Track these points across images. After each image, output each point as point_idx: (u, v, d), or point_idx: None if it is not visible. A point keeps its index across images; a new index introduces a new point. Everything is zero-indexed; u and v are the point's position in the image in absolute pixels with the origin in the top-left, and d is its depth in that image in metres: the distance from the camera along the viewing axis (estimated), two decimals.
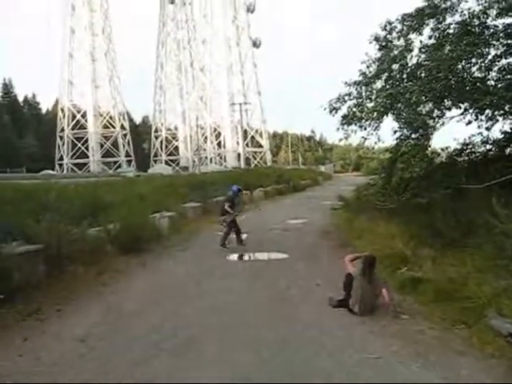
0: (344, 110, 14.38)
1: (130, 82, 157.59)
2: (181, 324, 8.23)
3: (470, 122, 13.88)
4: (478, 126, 14.77)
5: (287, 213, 25.53)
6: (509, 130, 14.89)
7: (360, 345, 7.06)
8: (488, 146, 15.26)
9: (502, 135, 14.93)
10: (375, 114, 13.10)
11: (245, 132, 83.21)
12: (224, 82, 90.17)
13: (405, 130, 14.25)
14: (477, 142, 15.12)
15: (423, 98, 12.64)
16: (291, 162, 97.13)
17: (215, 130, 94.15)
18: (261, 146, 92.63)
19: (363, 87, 14.46)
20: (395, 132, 14.66)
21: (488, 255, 9.06)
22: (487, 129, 14.59)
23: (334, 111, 14.46)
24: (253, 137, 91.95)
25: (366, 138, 14.37)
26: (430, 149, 13.97)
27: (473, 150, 15.30)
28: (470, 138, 15.06)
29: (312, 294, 9.94)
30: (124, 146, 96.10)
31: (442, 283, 9.00)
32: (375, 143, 14.55)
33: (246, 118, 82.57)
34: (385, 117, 13.54)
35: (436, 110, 13.75)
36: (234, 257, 14.86)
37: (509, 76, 13.38)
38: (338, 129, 14.27)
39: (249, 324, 8.18)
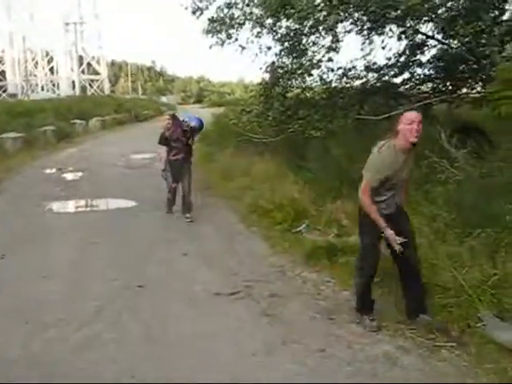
0: (212, 12, 10.56)
1: None
2: None
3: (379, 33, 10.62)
4: (361, 49, 11.85)
5: (130, 146, 20.80)
6: (393, 57, 12.17)
7: None
8: (371, 74, 12.38)
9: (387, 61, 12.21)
10: (265, 8, 9.38)
11: (80, 58, 74.80)
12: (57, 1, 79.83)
13: (286, 43, 10.78)
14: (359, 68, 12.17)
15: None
16: (131, 92, 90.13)
17: (47, 54, 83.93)
18: (98, 73, 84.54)
19: None
20: (269, 49, 11.14)
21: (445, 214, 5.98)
22: (383, 48, 11.68)
23: (198, 12, 10.56)
24: (89, 64, 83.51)
25: (243, 48, 10.65)
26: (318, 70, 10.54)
27: (356, 75, 12.24)
28: (352, 62, 12.01)
29: (185, 278, 6.29)
30: None
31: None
32: (256, 55, 10.89)
33: (81, 42, 74.17)
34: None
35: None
36: (65, 205, 10.65)
37: None
38: (208, 34, 10.40)
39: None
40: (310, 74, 10.02)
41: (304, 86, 10.81)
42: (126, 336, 4.63)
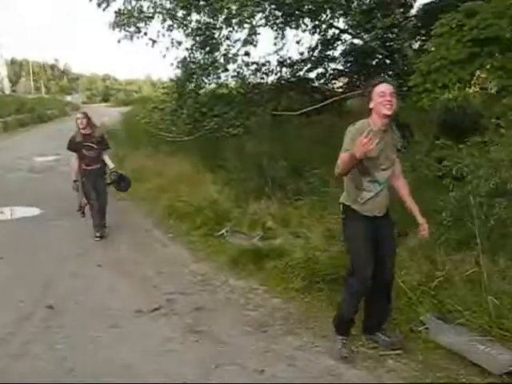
0: (119, 4, 9.85)
1: None
2: None
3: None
4: (275, 44, 11.57)
5: (34, 148, 19.56)
6: (306, 51, 11.99)
7: None
8: (285, 69, 12.12)
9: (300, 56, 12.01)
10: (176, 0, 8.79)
11: None
12: None
13: (198, 38, 10.23)
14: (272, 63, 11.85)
15: None
16: (34, 92, 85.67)
17: None
18: None
19: None
20: (180, 44, 10.56)
21: None
22: (297, 43, 11.49)
23: (104, 4, 9.78)
24: None
25: (154, 41, 9.97)
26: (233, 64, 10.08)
27: (270, 71, 11.90)
28: (264, 57, 11.67)
29: (101, 294, 5.62)
30: None
31: (310, 259, 5.42)
32: (167, 49, 10.27)
33: None
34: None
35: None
36: None
37: None
38: (115, 28, 9.65)
39: None
40: (225, 70, 9.57)
41: (219, 81, 10.32)
42: (38, 371, 3.93)
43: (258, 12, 8.53)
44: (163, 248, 7.25)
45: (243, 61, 10.03)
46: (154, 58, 50.36)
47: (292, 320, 4.72)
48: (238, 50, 9.39)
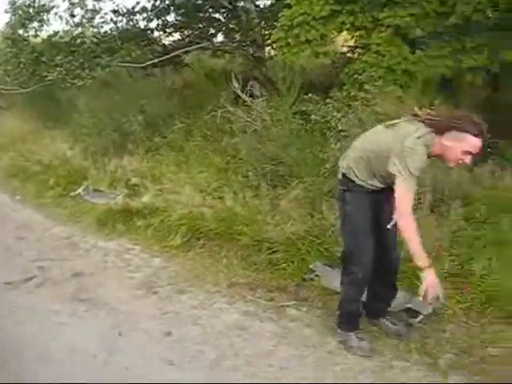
0: None
1: None
2: None
3: None
4: None
5: None
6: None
7: None
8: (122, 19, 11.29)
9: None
10: None
11: None
12: None
13: None
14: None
15: None
16: None
17: None
18: None
19: None
20: None
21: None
22: None
23: None
24: None
25: None
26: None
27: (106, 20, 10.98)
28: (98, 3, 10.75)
29: None
30: None
31: (190, 215, 5.28)
32: None
33: None
34: None
35: None
36: None
37: None
38: None
39: None
40: (72, 16, 8.63)
41: (57, 29, 9.33)
42: None
43: None
44: (14, 212, 6.59)
45: (94, 6, 9.13)
46: None
47: (180, 279, 4.56)
48: None
